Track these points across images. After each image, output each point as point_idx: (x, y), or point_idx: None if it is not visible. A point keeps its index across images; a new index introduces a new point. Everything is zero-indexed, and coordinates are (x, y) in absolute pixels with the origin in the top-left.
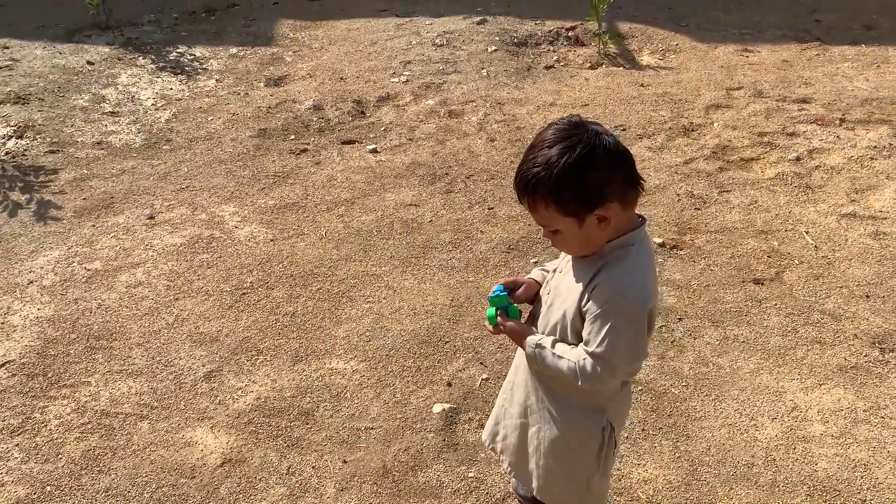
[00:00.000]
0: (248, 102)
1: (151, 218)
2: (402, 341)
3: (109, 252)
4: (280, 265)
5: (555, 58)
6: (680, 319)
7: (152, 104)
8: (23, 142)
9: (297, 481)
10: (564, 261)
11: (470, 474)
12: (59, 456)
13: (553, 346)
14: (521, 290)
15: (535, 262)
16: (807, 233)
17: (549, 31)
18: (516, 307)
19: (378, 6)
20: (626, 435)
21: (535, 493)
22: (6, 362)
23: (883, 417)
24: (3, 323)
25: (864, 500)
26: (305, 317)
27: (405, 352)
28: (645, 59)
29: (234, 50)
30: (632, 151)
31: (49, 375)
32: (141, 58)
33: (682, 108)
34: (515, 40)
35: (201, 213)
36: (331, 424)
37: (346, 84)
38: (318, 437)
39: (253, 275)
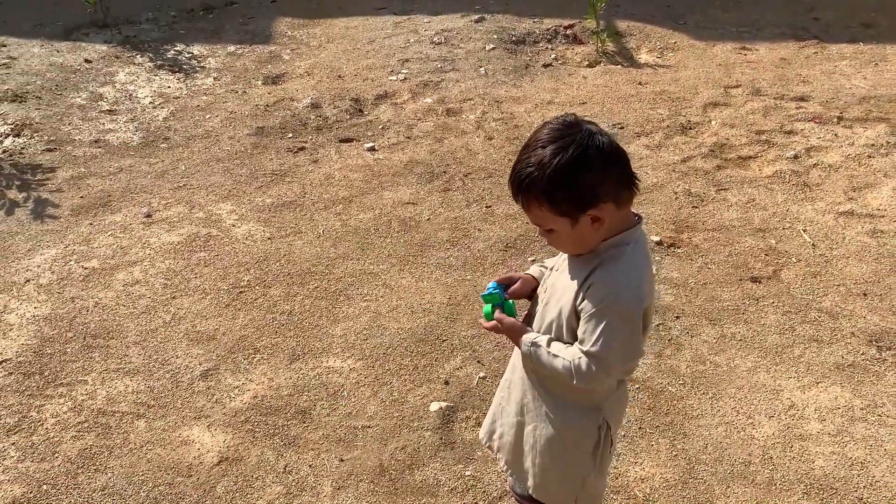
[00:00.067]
0: (245, 101)
1: (149, 216)
2: (400, 340)
3: (106, 250)
4: (277, 263)
5: (553, 56)
6: (677, 317)
7: (150, 102)
8: (20, 140)
9: (293, 480)
10: (561, 259)
11: (467, 473)
12: (56, 455)
13: (548, 344)
14: (517, 284)
15: (533, 260)
16: (804, 231)
17: (548, 30)
18: (512, 303)
19: (376, 4)
20: (622, 433)
21: (531, 491)
22: (2, 361)
23: (880, 415)
24: None
25: (861, 499)
26: (302, 315)
27: (402, 350)
28: (643, 57)
29: (231, 48)
30: (629, 149)
31: (46, 374)
32: (139, 56)
33: (679, 107)
34: (513, 38)
35: (198, 212)
36: (328, 423)
37: (344, 82)
38: (314, 435)
39: (250, 273)
